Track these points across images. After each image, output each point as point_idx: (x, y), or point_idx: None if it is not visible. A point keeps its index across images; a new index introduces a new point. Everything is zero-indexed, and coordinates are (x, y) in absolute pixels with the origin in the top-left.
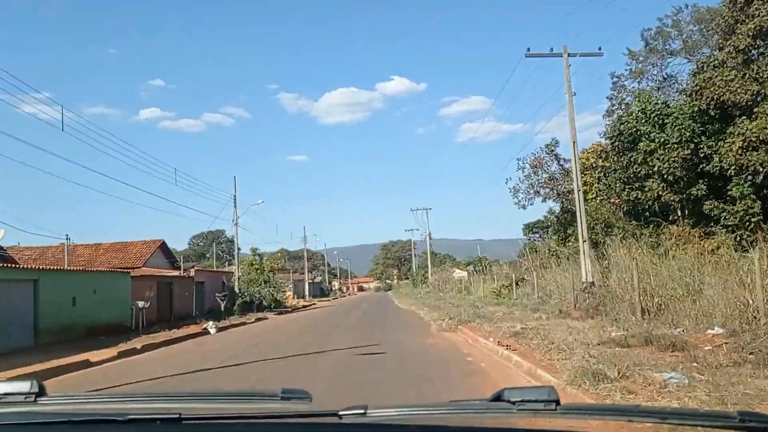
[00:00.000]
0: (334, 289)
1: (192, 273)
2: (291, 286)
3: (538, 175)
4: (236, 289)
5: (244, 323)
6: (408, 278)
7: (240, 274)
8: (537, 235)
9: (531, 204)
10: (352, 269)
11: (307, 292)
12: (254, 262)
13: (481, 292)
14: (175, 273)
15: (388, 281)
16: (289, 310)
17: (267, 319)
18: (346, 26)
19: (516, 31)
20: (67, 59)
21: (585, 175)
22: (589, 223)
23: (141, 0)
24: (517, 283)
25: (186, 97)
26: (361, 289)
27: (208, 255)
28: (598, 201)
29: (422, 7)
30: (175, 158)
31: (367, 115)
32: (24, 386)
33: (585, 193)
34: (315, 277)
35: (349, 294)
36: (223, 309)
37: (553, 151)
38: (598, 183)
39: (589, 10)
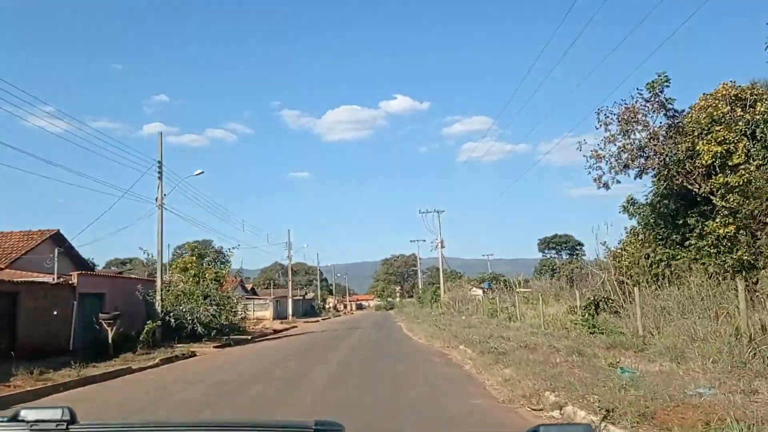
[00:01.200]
0: (328, 307)
1: (73, 279)
2: (271, 304)
3: (629, 136)
4: (158, 307)
5: (127, 370)
6: (412, 296)
7: (168, 280)
8: (554, 251)
9: (618, 181)
10: (353, 286)
11: (290, 312)
12: (190, 266)
13: (535, 317)
14: (39, 278)
15: (389, 299)
16: (248, 338)
17: (191, 357)
18: (350, 44)
19: (519, 49)
20: (73, 73)
21: (711, 131)
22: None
23: (147, 16)
24: (597, 305)
25: (190, 112)
26: (360, 307)
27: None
28: (753, 170)
29: (426, 27)
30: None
31: (370, 133)
32: (56, 413)
33: (723, 157)
34: (306, 294)
35: (344, 313)
36: (111, 341)
37: (658, 95)
38: (747, 140)
39: None
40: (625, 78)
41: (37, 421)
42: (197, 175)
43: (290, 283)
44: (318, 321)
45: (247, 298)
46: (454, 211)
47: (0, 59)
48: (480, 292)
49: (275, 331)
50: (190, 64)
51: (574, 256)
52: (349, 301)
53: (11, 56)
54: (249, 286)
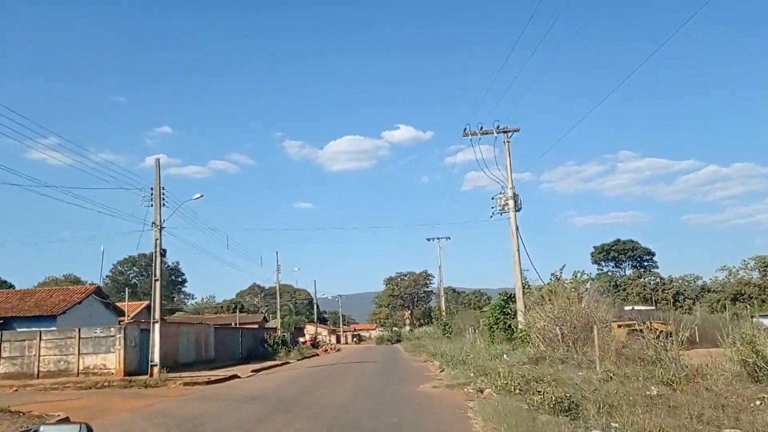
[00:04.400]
0: (303, 341)
1: None
2: (119, 339)
3: None
4: None
5: None
6: (426, 323)
7: None
8: (613, 263)
9: None
10: (355, 317)
11: (157, 354)
12: None
13: None
14: None
15: (395, 328)
16: None
17: None
18: (352, 74)
19: (520, 77)
20: (77, 106)
21: None
22: None
23: (150, 49)
24: None
25: (193, 144)
26: (359, 339)
27: (138, 287)
28: None
29: (429, 56)
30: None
31: (373, 163)
32: (74, 429)
33: None
34: (266, 320)
35: (328, 350)
36: None
37: None
38: None
39: None
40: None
41: None
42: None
43: (157, 296)
44: (218, 383)
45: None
46: (459, 241)
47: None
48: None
49: None
50: (192, 96)
51: (644, 269)
52: (344, 332)
53: (10, 92)
54: (132, 307)
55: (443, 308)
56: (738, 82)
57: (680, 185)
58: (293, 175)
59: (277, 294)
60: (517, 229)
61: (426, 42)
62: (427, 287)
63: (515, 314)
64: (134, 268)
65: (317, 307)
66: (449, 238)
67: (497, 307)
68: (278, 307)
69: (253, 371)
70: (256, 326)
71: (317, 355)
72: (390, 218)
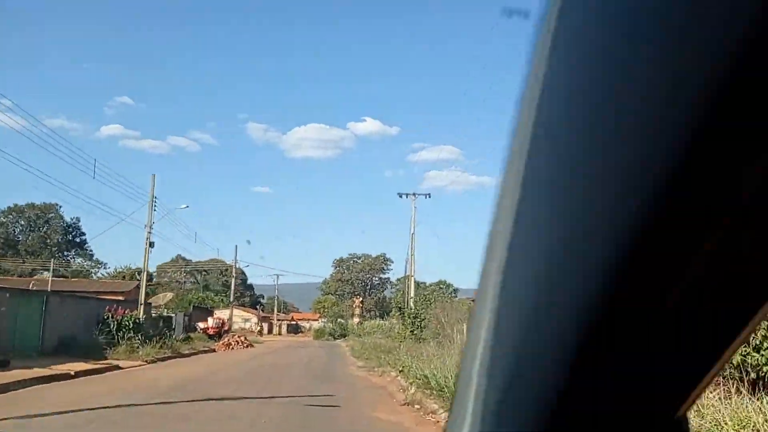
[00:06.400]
0: (204, 327)
1: None
2: None
3: None
4: None
5: None
6: (383, 316)
7: None
8: None
9: None
10: (299, 306)
11: None
12: None
13: None
14: None
15: (341, 320)
16: None
17: None
18: (323, 64)
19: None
20: (35, 70)
21: None
22: None
23: (123, 24)
24: None
25: (153, 117)
26: (295, 329)
27: (22, 242)
28: None
29: (399, 53)
30: (134, 177)
31: (337, 153)
32: None
33: None
34: (150, 293)
35: (230, 344)
36: None
37: None
38: None
39: None
40: None
41: None
42: None
43: None
44: None
45: None
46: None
47: None
48: None
49: None
50: (157, 68)
51: None
52: (278, 321)
53: None
54: None
55: (411, 294)
56: None
57: None
58: (254, 158)
59: (146, 249)
60: None
61: (397, 36)
62: (384, 273)
63: None
64: (20, 221)
65: (235, 281)
66: (429, 195)
67: None
68: (144, 267)
69: None
70: (121, 297)
71: (212, 351)
72: (350, 209)
